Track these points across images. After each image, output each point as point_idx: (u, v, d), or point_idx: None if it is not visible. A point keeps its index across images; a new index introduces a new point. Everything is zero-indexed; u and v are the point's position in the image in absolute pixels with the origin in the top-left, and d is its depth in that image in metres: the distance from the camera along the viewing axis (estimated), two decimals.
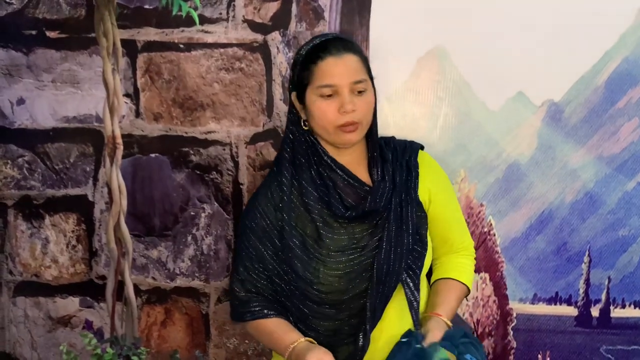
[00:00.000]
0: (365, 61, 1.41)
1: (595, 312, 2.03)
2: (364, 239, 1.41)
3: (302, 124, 1.42)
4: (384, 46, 1.95)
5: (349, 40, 1.43)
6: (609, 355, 2.03)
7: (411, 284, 1.41)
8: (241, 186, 2.06)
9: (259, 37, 1.99)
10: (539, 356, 2.04)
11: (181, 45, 2.01)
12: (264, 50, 1.99)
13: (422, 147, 1.52)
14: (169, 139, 2.05)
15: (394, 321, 1.43)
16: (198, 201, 2.08)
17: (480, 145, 1.98)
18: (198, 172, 2.06)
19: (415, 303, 1.41)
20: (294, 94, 1.44)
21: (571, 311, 2.04)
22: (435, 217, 1.48)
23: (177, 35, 2.00)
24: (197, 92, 2.03)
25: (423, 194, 1.46)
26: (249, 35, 1.99)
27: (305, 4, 1.97)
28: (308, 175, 1.41)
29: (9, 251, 2.14)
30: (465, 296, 1.55)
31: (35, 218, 2.12)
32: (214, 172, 2.06)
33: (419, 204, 1.45)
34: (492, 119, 1.97)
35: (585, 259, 2.01)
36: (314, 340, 1.41)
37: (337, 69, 1.36)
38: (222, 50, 2.00)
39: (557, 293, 2.03)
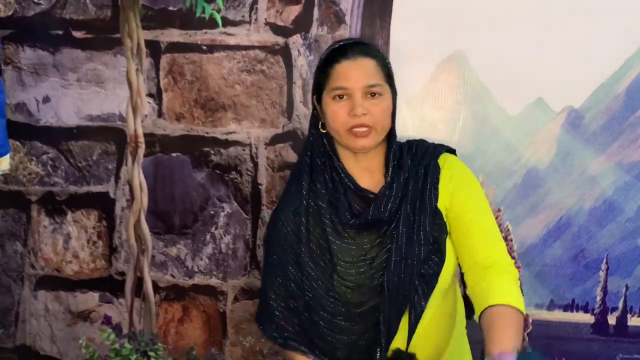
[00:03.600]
0: (384, 66, 1.39)
1: (612, 320, 2.02)
2: (373, 250, 1.37)
3: (321, 126, 1.42)
4: (404, 50, 1.96)
5: (368, 44, 1.43)
6: None
7: (421, 292, 1.35)
8: (260, 186, 2.08)
9: (281, 40, 2.01)
10: None
11: (204, 47, 2.03)
12: (285, 52, 2.01)
13: (450, 150, 1.45)
14: (190, 139, 2.08)
15: (428, 331, 1.38)
16: (217, 200, 2.10)
17: (498, 150, 1.99)
18: (218, 171, 2.09)
19: (415, 313, 1.35)
20: (314, 97, 1.44)
21: (588, 318, 2.03)
22: (455, 223, 1.39)
23: (200, 36, 2.03)
24: (218, 94, 2.05)
25: (443, 199, 1.39)
26: (270, 38, 2.01)
27: (327, 7, 1.98)
28: (323, 179, 1.40)
29: (32, 246, 2.18)
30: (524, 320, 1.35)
31: (58, 214, 2.16)
32: (234, 172, 2.09)
33: (437, 212, 1.38)
34: (511, 124, 1.98)
35: (603, 266, 2.00)
36: None
37: (350, 72, 1.36)
38: (244, 52, 2.03)
39: (573, 300, 2.03)
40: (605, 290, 2.00)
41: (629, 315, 2.02)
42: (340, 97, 1.37)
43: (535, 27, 1.92)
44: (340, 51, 1.39)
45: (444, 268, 1.37)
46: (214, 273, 2.13)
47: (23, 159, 2.15)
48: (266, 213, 2.08)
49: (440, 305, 1.41)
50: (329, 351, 1.41)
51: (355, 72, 1.36)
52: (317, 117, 1.44)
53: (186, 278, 2.14)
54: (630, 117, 1.96)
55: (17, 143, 2.13)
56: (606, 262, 2.00)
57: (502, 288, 1.34)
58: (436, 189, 1.38)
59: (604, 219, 1.99)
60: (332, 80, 1.37)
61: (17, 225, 2.18)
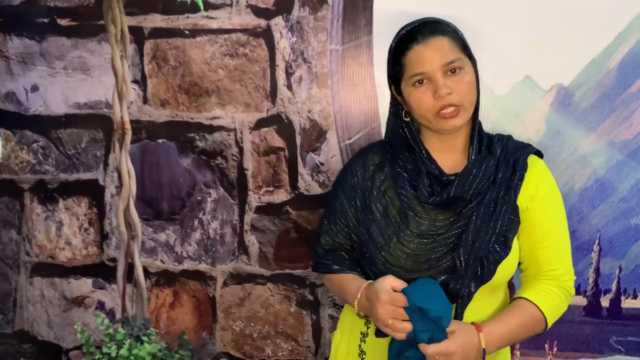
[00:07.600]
0: (458, 39, 1.36)
1: (605, 302, 1.97)
2: (444, 227, 1.36)
3: (404, 115, 1.41)
4: (388, 30, 1.91)
5: (437, 22, 1.37)
6: (619, 347, 1.98)
7: (474, 278, 1.34)
8: (246, 171, 2.07)
9: (262, 23, 1.98)
10: (546, 345, 2.00)
11: (186, 32, 2.02)
12: (267, 35, 1.99)
13: (540, 155, 1.45)
14: (176, 125, 2.08)
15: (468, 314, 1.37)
16: (204, 186, 2.10)
17: (486, 131, 1.94)
18: (204, 157, 2.09)
19: (464, 298, 1.34)
20: (392, 88, 1.42)
21: (580, 301, 1.99)
22: (529, 228, 1.38)
23: (182, 21, 2.02)
24: (202, 79, 2.04)
25: (523, 199, 1.38)
26: (252, 21, 1.99)
27: None
28: (403, 165, 1.41)
29: (26, 233, 2.21)
30: (542, 331, 1.40)
31: (50, 201, 2.19)
32: (219, 158, 2.08)
33: (515, 208, 1.37)
34: (499, 105, 1.92)
35: (595, 247, 1.95)
36: None
37: (425, 55, 1.33)
38: (226, 36, 2.01)
39: None
40: (597, 272, 1.96)
41: (622, 298, 1.97)
42: (420, 82, 1.34)
43: (522, 2, 1.86)
44: (409, 37, 1.35)
45: (503, 262, 1.35)
46: (203, 258, 2.13)
47: (15, 148, 2.18)
48: (253, 198, 2.08)
49: (486, 301, 1.40)
50: None
51: (429, 54, 1.33)
52: (397, 107, 1.43)
53: (176, 263, 2.15)
54: (623, 94, 1.89)
55: (9, 132, 2.16)
56: (598, 244, 1.95)
57: (545, 294, 1.38)
58: (520, 185, 1.37)
59: (596, 199, 1.93)
60: (408, 68, 1.35)
61: (12, 213, 2.21)
